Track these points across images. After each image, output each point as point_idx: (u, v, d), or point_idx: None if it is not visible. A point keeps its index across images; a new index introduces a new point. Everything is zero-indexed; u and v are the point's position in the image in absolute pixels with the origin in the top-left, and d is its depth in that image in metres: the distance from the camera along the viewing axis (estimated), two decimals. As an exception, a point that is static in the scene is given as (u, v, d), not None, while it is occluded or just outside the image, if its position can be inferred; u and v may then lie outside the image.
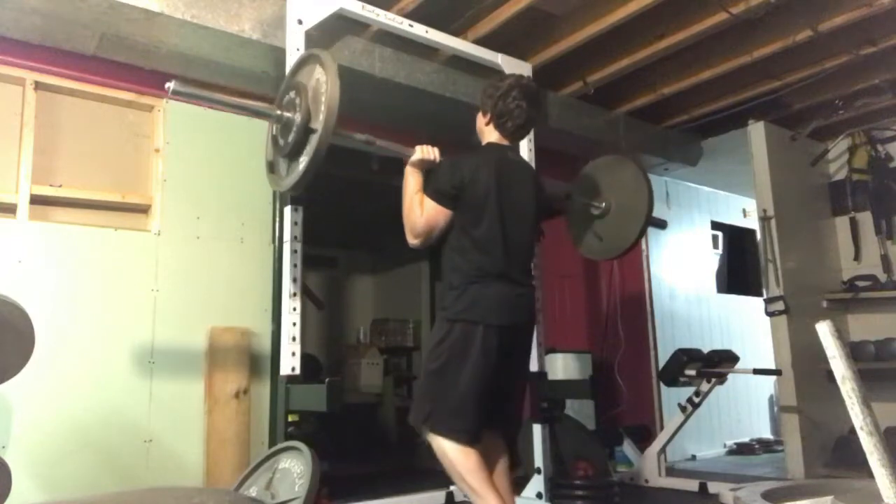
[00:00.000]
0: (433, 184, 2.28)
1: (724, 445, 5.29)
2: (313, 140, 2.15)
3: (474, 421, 2.12)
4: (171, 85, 2.09)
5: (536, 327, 3.16)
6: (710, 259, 5.65)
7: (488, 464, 2.18)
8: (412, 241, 2.29)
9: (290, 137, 2.21)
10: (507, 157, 2.38)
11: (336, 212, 5.21)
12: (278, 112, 2.29)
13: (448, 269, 2.28)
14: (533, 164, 3.38)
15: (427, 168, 2.34)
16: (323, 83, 2.15)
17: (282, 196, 2.93)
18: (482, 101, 2.42)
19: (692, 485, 3.64)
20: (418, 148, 2.35)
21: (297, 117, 2.19)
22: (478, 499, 2.07)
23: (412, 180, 2.32)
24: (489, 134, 2.41)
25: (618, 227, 3.18)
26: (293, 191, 2.44)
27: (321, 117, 2.12)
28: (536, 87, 2.49)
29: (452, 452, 2.09)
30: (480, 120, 2.44)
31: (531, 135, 3.42)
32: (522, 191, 2.36)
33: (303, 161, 2.20)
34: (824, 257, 4.42)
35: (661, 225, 3.59)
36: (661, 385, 4.49)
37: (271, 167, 2.48)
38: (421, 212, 2.24)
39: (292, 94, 2.28)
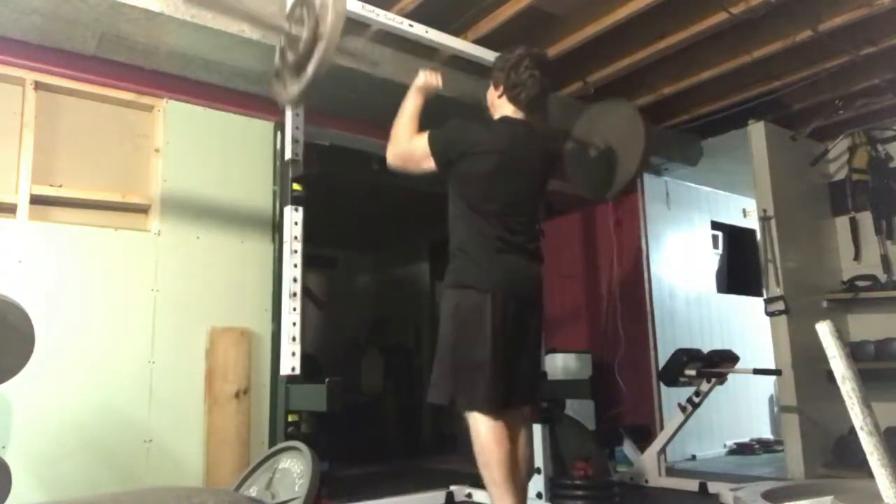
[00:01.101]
0: (440, 134, 2.26)
1: (724, 445, 5.28)
2: (321, 46, 2.16)
3: (497, 391, 2.10)
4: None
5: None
6: (710, 259, 5.64)
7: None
8: (389, 159, 2.33)
9: (299, 47, 2.23)
10: (518, 132, 2.33)
11: (336, 212, 5.22)
12: (287, 25, 2.31)
13: (454, 239, 2.28)
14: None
15: (430, 93, 2.38)
16: None
17: (282, 196, 2.93)
18: (493, 75, 2.40)
19: (692, 485, 3.64)
20: (421, 72, 2.40)
21: (305, 29, 2.21)
22: (496, 490, 2.05)
23: (412, 102, 2.38)
24: (502, 107, 2.37)
25: (618, 163, 3.13)
26: (298, 100, 2.46)
27: (329, 20, 2.12)
28: (547, 55, 2.46)
29: (485, 436, 2.07)
30: (492, 94, 2.41)
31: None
32: (530, 166, 2.33)
33: (310, 68, 2.21)
34: (824, 257, 4.41)
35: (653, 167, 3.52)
36: (661, 385, 4.49)
37: (277, 75, 2.49)
38: (408, 140, 2.28)
39: (299, 9, 2.30)
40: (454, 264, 2.25)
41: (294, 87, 2.33)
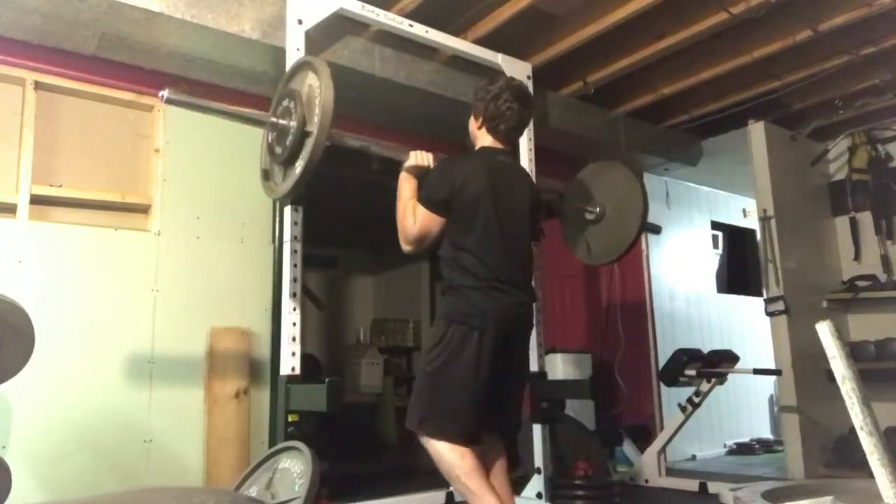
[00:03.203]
0: (425, 191, 2.27)
1: (724, 445, 5.28)
2: (309, 143, 2.15)
3: (470, 425, 2.11)
4: (164, 93, 2.11)
5: (536, 327, 3.17)
6: (710, 259, 5.64)
7: (486, 464, 2.17)
8: (406, 247, 2.29)
9: (287, 142, 2.22)
10: (500, 162, 2.36)
11: (336, 212, 5.21)
12: (273, 119, 2.30)
13: (445, 274, 2.28)
14: (533, 164, 3.38)
15: (421, 174, 2.34)
16: (316, 88, 2.16)
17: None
18: (473, 105, 2.42)
19: (692, 485, 3.64)
20: (412, 154, 2.37)
21: (293, 123, 2.20)
22: (476, 500, 2.05)
23: (406, 187, 2.33)
24: (482, 138, 2.40)
25: (614, 230, 3.19)
26: (289, 197, 2.45)
27: (316, 119, 2.12)
28: (527, 87, 2.49)
29: (448, 455, 2.08)
30: (473, 124, 2.43)
31: (531, 135, 3.43)
32: (516, 195, 2.35)
33: (299, 165, 2.20)
34: (824, 257, 4.41)
35: (656, 230, 3.59)
36: (661, 385, 4.49)
37: (266, 175, 2.50)
38: (414, 220, 2.23)
39: (286, 101, 2.29)
40: (446, 302, 2.25)
41: (284, 185, 2.31)
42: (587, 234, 3.26)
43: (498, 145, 2.38)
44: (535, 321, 2.47)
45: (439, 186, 2.24)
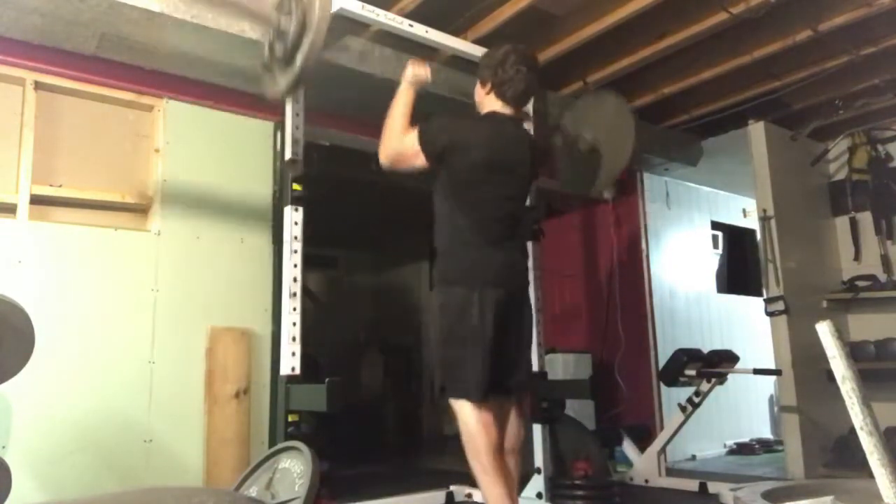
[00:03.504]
0: (425, 125, 2.28)
1: (724, 445, 5.28)
2: (307, 41, 2.15)
3: (481, 378, 2.13)
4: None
5: (536, 327, 3.17)
6: (710, 259, 5.64)
7: (501, 436, 2.20)
8: (381, 159, 2.33)
9: (287, 41, 2.22)
10: (505, 128, 2.38)
11: (336, 212, 5.21)
12: (276, 17, 2.30)
13: (438, 235, 2.30)
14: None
15: (420, 86, 2.37)
16: None
17: (282, 196, 2.93)
18: (480, 72, 2.43)
19: (692, 485, 3.64)
20: (409, 64, 2.39)
21: (293, 21, 2.20)
22: (486, 477, 2.07)
23: (403, 96, 2.37)
24: (490, 103, 2.41)
25: (607, 158, 3.14)
26: (287, 93, 2.45)
27: (315, 16, 2.11)
28: (533, 52, 2.50)
29: (474, 426, 2.10)
30: (480, 91, 2.44)
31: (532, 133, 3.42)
32: (516, 161, 2.36)
33: (298, 61, 2.20)
34: (824, 257, 4.41)
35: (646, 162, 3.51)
36: (661, 385, 4.49)
37: (266, 68, 2.48)
38: (399, 141, 2.28)
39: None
40: (441, 263, 2.28)
41: (283, 81, 2.32)
42: (581, 166, 3.22)
43: (506, 111, 2.39)
44: (534, 314, 2.47)
45: (439, 133, 2.27)
